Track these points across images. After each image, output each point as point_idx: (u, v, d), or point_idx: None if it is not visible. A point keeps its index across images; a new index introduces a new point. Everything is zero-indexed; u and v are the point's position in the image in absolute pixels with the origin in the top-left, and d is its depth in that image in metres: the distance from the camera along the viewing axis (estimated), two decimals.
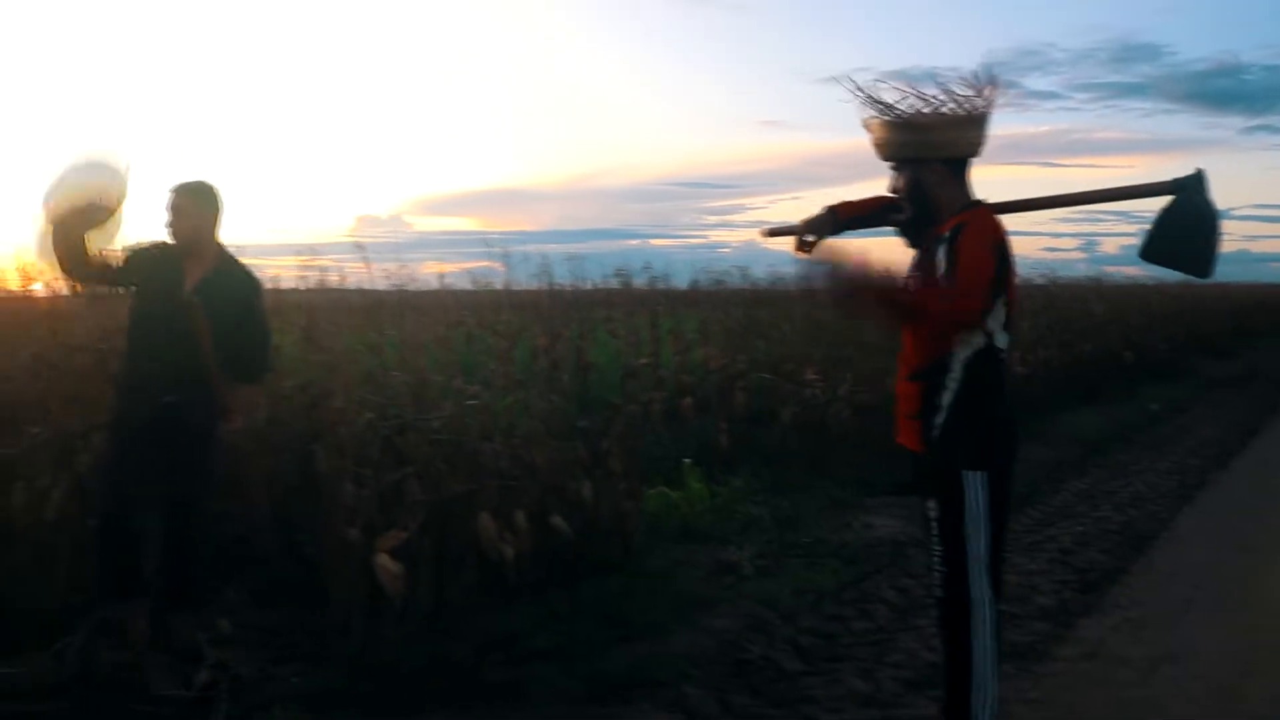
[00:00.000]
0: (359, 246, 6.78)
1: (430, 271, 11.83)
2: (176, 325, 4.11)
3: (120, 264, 4.33)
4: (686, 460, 6.75)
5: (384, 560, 4.08)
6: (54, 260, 4.19)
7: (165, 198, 4.31)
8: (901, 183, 3.07)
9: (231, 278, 4.41)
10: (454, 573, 4.55)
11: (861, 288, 2.75)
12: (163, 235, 4.34)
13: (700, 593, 5.00)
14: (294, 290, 9.05)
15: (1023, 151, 74.31)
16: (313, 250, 7.69)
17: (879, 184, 3.19)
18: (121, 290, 4.65)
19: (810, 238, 3.23)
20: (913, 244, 3.10)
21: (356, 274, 8.47)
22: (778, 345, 9.29)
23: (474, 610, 4.52)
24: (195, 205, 4.33)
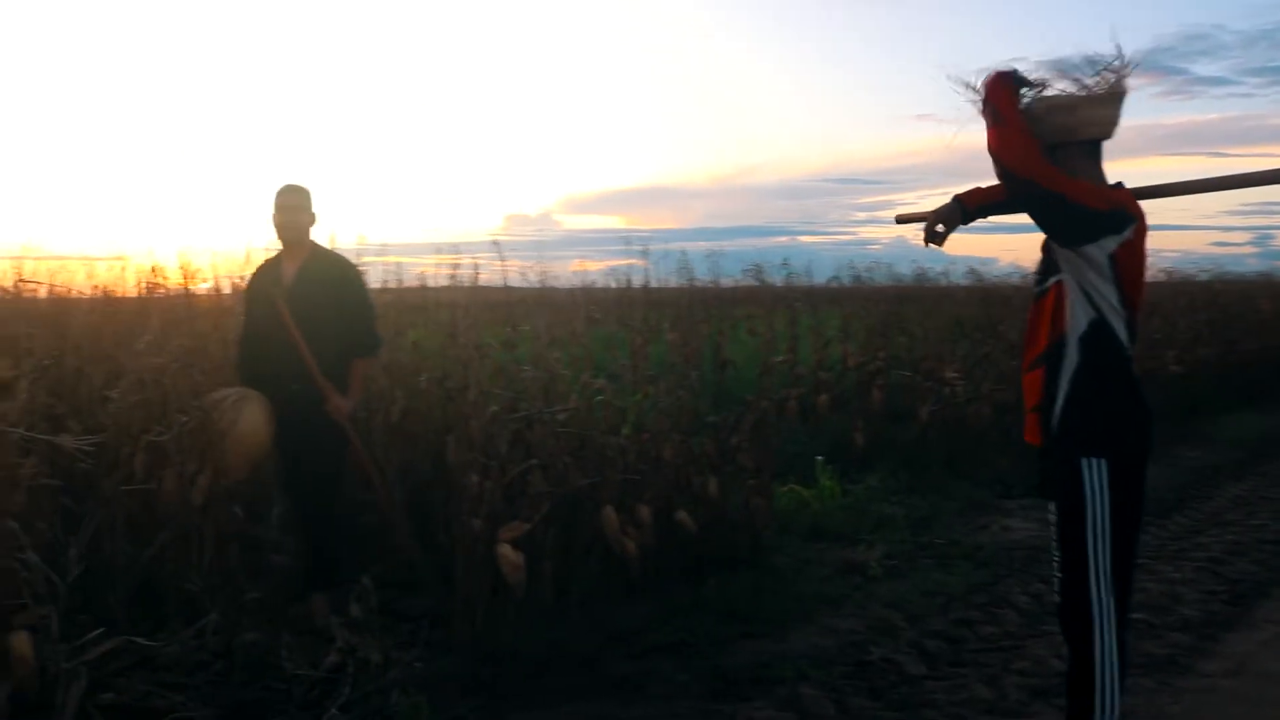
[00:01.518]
0: (500, 245, 6.95)
1: (576, 269, 11.99)
2: (282, 322, 4.44)
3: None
4: (819, 458, 6.68)
5: (506, 550, 4.16)
6: None
7: (274, 198, 4.62)
8: None
9: (325, 263, 4.70)
10: (577, 565, 4.62)
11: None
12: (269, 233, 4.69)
13: (826, 592, 4.95)
14: (442, 288, 9.38)
15: (1189, 141, 70.57)
16: (460, 249, 7.94)
17: None
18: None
19: (940, 228, 3.15)
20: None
21: (502, 271, 8.70)
22: (919, 342, 9.11)
23: (595, 602, 4.57)
24: (303, 202, 4.64)
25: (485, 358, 5.66)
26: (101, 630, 3.31)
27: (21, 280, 7.40)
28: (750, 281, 12.70)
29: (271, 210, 4.62)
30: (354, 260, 5.02)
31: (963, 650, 4.25)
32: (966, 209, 3.15)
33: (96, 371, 5.29)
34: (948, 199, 3.13)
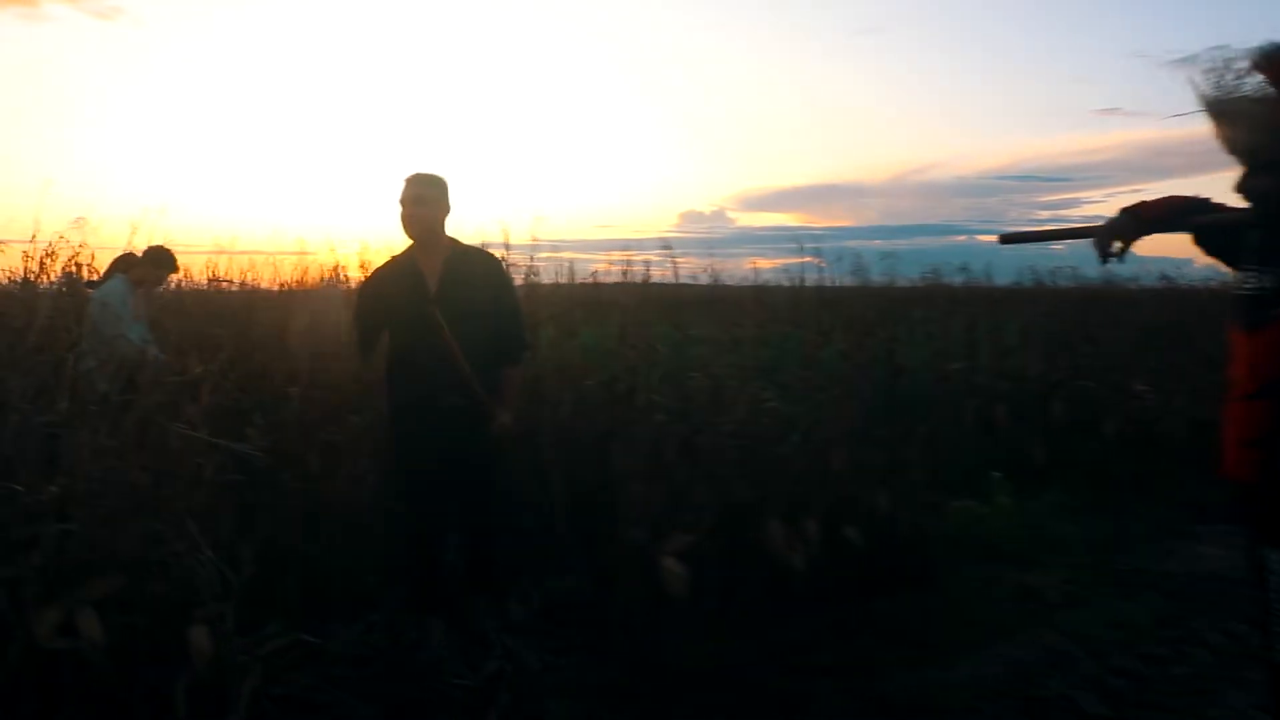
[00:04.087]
0: (673, 243, 6.92)
1: (749, 267, 11.89)
2: (434, 329, 4.09)
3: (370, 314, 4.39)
4: (996, 474, 6.42)
5: (669, 563, 4.13)
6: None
7: (402, 189, 4.28)
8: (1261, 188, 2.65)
9: (472, 261, 4.35)
10: (740, 578, 4.54)
11: None
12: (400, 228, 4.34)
13: (999, 618, 4.74)
14: (614, 284, 9.41)
15: None
16: (633, 246, 7.94)
17: (1228, 176, 2.79)
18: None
19: (1118, 245, 2.87)
20: (1234, 261, 2.70)
21: (673, 270, 8.67)
22: (1105, 351, 8.67)
23: (758, 617, 4.49)
24: (435, 193, 4.31)
25: (654, 363, 5.63)
26: (275, 625, 3.41)
27: (215, 278, 7.77)
28: (927, 282, 12.35)
29: (400, 201, 4.25)
30: (502, 258, 4.75)
31: (1148, 690, 3.99)
32: (1143, 220, 2.85)
33: (279, 369, 5.49)
34: (1139, 196, 2.85)
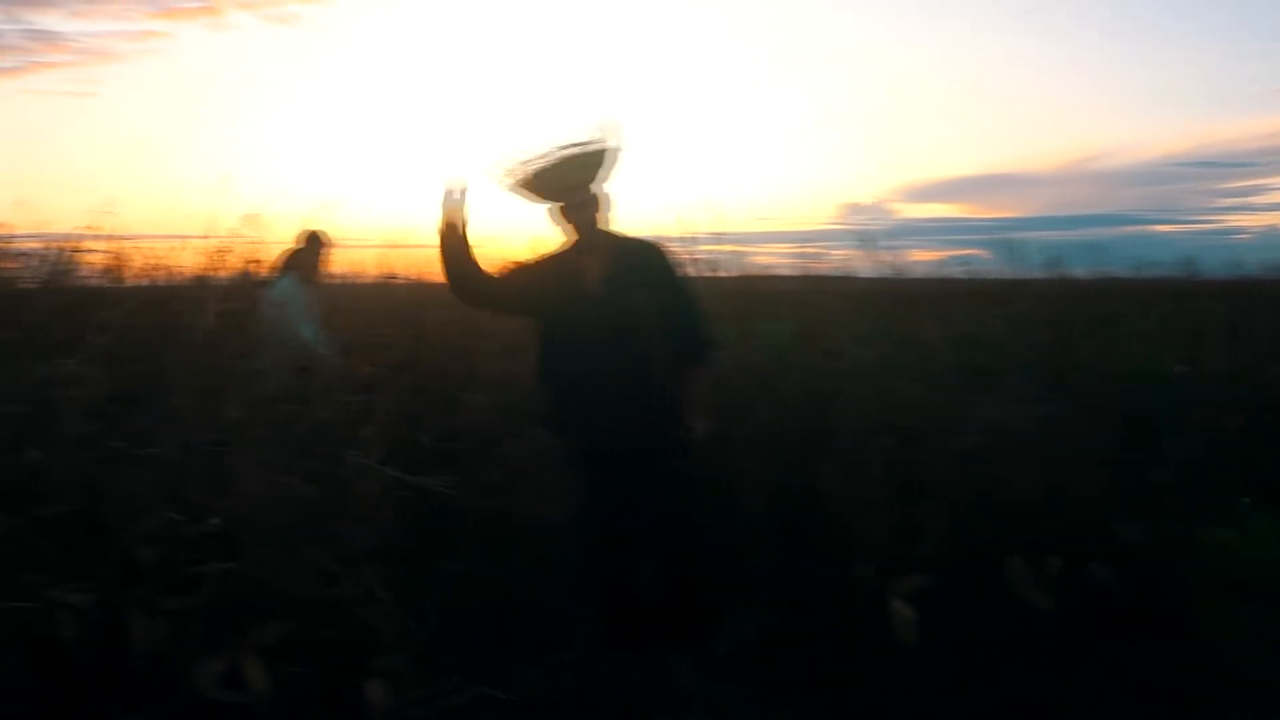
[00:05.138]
0: (838, 234, 6.50)
1: (914, 259, 11.41)
2: (602, 334, 3.68)
3: (507, 283, 3.94)
4: (1244, 499, 5.65)
5: (899, 604, 3.61)
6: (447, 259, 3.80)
7: (559, 173, 3.80)
8: None
9: (635, 254, 3.88)
10: (973, 620, 3.99)
11: None
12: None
13: (1269, 671, 4.06)
14: (781, 278, 8.98)
15: None
16: (794, 238, 7.58)
17: None
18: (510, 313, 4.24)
19: None
20: None
21: (840, 262, 8.20)
22: None
23: (995, 664, 3.94)
24: (598, 176, 3.83)
25: (858, 366, 5.10)
26: (457, 678, 3.05)
27: (388, 274, 7.57)
28: (1123, 274, 11.57)
29: (557, 189, 3.81)
30: (669, 245, 4.08)
31: None
32: None
33: (454, 370, 5.18)
34: None
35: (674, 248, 5.49)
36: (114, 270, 6.08)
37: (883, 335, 6.59)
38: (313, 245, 5.69)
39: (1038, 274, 9.97)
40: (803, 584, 4.25)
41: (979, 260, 10.01)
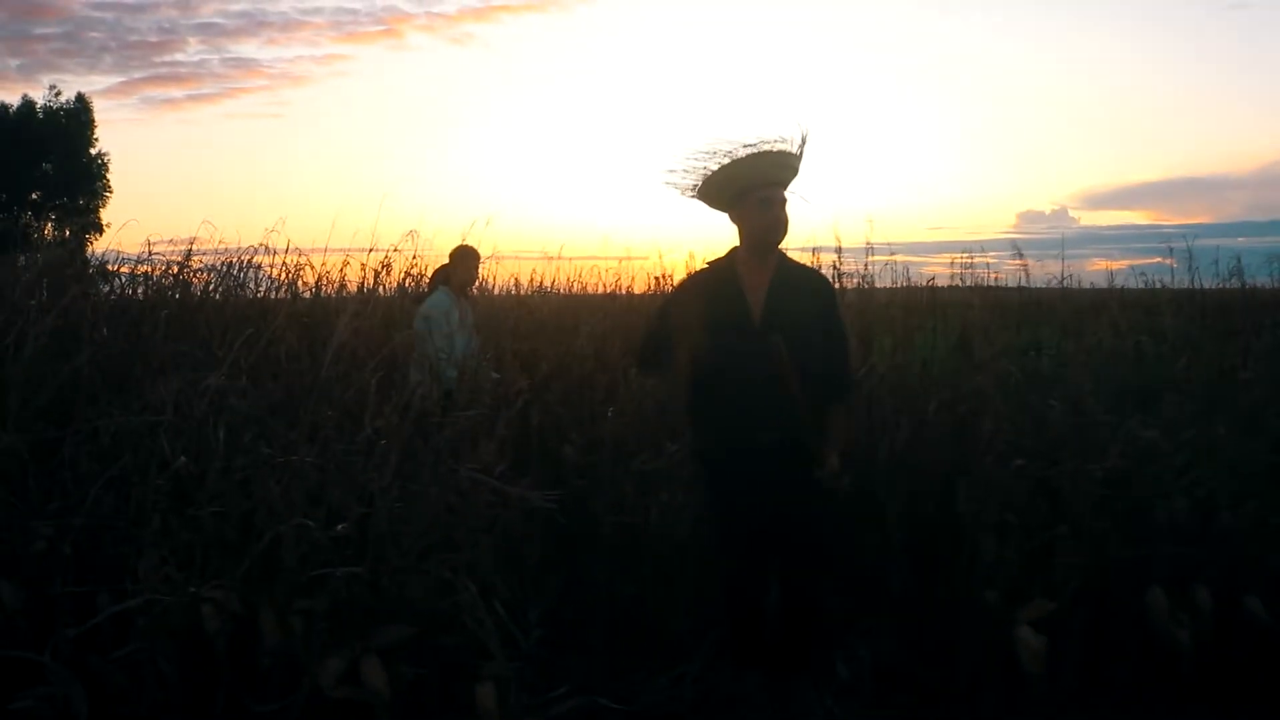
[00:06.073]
0: (1016, 245, 6.28)
1: (1096, 269, 10.91)
2: (757, 357, 3.48)
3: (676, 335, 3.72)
4: None
5: (1025, 633, 3.50)
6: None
7: (754, 184, 3.59)
8: None
9: (803, 281, 3.72)
10: (1108, 654, 3.83)
11: None
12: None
13: None
14: (950, 288, 8.73)
15: None
16: (969, 249, 7.40)
17: None
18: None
19: None
20: None
21: (1015, 273, 7.92)
22: None
23: (1129, 704, 3.76)
24: (788, 180, 3.61)
25: (1006, 385, 4.94)
26: (566, 685, 3.13)
27: (540, 286, 7.76)
28: None
29: (755, 200, 3.57)
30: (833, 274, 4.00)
31: None
32: None
33: (600, 382, 5.27)
34: None
35: (838, 259, 5.46)
36: (284, 283, 6.44)
37: (1036, 348, 6.38)
38: (465, 260, 5.87)
39: (1217, 284, 9.40)
40: (931, 607, 4.16)
41: (1163, 269, 9.48)
